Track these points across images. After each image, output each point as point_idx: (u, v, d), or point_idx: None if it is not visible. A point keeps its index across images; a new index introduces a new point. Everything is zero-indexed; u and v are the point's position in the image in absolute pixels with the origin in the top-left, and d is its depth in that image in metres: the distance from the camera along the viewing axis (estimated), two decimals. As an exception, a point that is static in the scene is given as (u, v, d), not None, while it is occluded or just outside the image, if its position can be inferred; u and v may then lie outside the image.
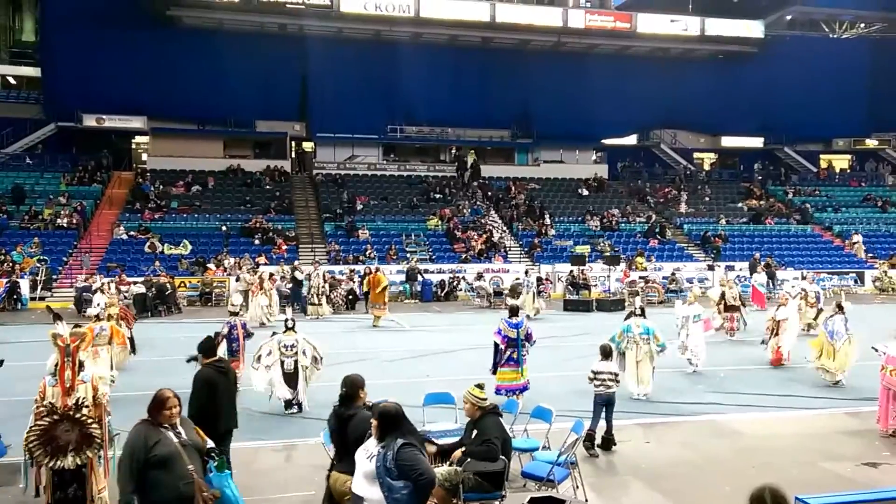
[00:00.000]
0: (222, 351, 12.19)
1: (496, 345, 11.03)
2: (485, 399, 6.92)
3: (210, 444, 5.73)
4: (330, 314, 22.98)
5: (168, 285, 24.48)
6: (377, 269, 22.87)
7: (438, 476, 6.41)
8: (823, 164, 45.79)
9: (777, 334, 14.93)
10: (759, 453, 9.21)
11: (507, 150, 42.10)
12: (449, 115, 38.96)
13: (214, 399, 7.22)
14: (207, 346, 7.68)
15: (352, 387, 6.23)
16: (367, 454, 5.15)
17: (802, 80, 39.43)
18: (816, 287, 20.37)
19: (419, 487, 4.97)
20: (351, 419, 5.95)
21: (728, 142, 44.47)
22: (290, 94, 37.58)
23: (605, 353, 9.49)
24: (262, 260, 27.88)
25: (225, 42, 34.93)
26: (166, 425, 5.29)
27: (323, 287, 23.18)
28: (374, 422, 5.20)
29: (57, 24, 34.66)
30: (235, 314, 13.28)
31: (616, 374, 9.46)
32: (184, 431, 5.39)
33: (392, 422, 5.11)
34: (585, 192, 38.60)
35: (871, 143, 45.50)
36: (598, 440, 9.21)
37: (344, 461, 5.80)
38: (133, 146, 39.36)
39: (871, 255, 33.91)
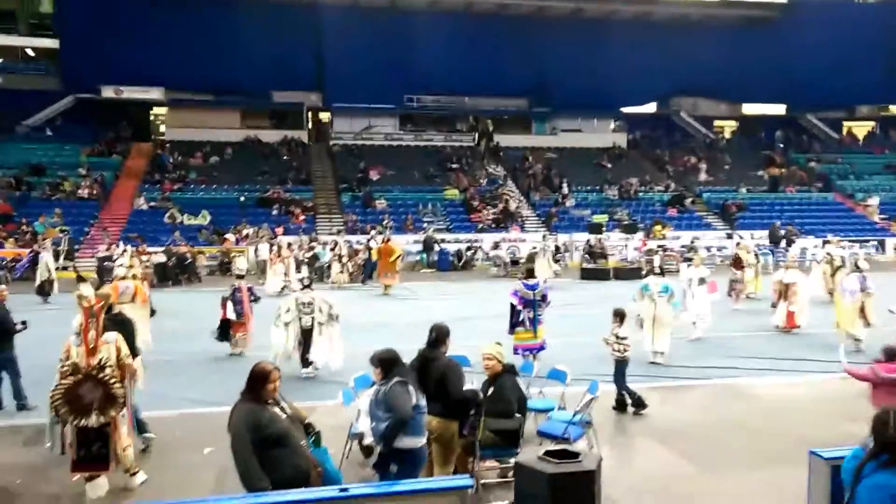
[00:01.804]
0: (230, 314, 12.53)
1: (512, 305, 11.11)
2: (504, 355, 7.07)
3: (308, 418, 5.38)
4: (346, 283, 23.23)
5: (188, 255, 24.74)
6: (388, 240, 23.00)
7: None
8: (846, 132, 45.06)
9: (786, 298, 14.84)
10: (778, 415, 9.24)
11: (525, 119, 41.79)
12: (465, 85, 38.69)
13: None
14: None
15: (439, 332, 6.74)
16: (370, 393, 5.92)
17: (825, 45, 38.56)
18: (842, 251, 20.00)
19: (392, 420, 5.42)
20: (433, 362, 6.47)
21: (749, 109, 43.83)
22: (307, 65, 37.52)
23: (623, 317, 9.52)
24: (280, 230, 28.02)
25: (241, 12, 34.87)
26: (270, 400, 4.88)
27: (345, 256, 23.57)
28: (376, 369, 5.80)
29: (74, -5, 34.74)
30: (241, 277, 13.55)
31: (627, 338, 9.53)
32: (286, 405, 5.02)
33: (392, 363, 5.76)
34: (609, 165, 38.23)
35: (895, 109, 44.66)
36: (612, 403, 9.31)
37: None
38: (151, 117, 39.57)
39: (885, 217, 33.57)
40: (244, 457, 4.59)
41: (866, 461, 3.62)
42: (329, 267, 23.93)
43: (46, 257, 20.11)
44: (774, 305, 15.38)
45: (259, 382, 4.83)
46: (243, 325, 12.75)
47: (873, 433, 3.71)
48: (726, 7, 39.25)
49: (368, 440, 5.94)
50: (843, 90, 40.97)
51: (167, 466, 7.51)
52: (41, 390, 8.41)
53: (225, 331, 12.71)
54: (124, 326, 7.96)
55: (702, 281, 14.10)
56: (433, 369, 6.38)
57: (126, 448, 6.87)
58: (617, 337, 9.31)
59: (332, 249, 24.31)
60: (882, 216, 34.17)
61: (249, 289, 13.10)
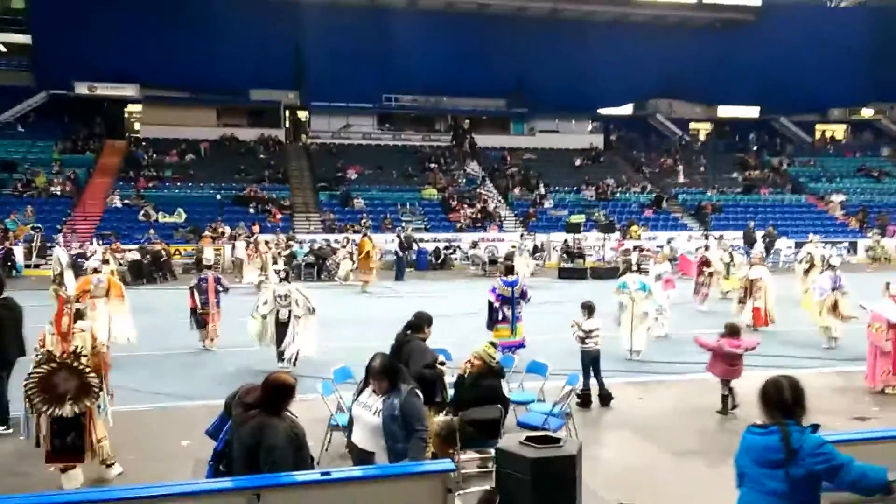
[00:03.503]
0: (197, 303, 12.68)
1: (490, 303, 11.13)
2: (494, 359, 7.14)
3: None
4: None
5: (163, 252, 24.49)
6: (364, 235, 22.93)
7: (434, 425, 6.56)
8: (819, 135, 45.77)
9: (751, 295, 14.80)
10: (751, 407, 9.28)
11: (503, 119, 41.93)
12: (444, 85, 38.73)
13: (1, 331, 7.97)
14: None
15: (419, 318, 6.92)
16: (371, 409, 5.15)
17: (799, 48, 39.22)
18: (823, 250, 19.76)
19: (417, 440, 5.03)
20: (406, 344, 6.58)
21: (724, 112, 44.36)
22: (285, 63, 37.30)
23: (591, 310, 9.56)
24: (256, 229, 27.80)
25: (218, 9, 34.56)
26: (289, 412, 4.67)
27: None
28: (382, 379, 5.18)
29: (47, -10, 34.27)
30: (209, 267, 13.50)
31: (599, 330, 9.56)
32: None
33: (397, 371, 5.27)
34: (587, 162, 38.44)
35: (867, 112, 45.41)
36: (594, 399, 9.35)
37: None
38: (126, 114, 39.09)
39: (845, 214, 34.44)
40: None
41: (787, 435, 3.61)
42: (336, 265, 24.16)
43: (58, 251, 19.98)
44: (742, 302, 15.27)
45: (283, 398, 4.57)
46: (208, 315, 12.70)
47: (771, 404, 3.75)
48: (702, 10, 39.75)
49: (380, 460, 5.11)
50: (815, 93, 41.71)
51: (145, 459, 7.43)
52: (14, 383, 8.29)
53: (198, 318, 12.76)
54: (12, 312, 8.07)
55: (658, 277, 14.18)
56: (404, 352, 6.50)
57: (102, 439, 6.79)
58: (582, 328, 9.35)
59: (344, 247, 24.46)
60: (846, 214, 34.98)
61: (217, 279, 13.05)
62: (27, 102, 35.71)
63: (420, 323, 6.81)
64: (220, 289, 12.90)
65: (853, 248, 31.86)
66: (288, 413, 4.64)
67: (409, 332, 6.80)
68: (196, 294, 12.68)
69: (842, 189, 37.48)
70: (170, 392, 9.99)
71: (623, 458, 7.74)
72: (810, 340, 13.41)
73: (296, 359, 10.93)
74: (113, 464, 6.94)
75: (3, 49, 39.38)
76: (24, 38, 37.50)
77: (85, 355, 6.54)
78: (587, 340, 9.33)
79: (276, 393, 4.55)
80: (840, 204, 35.40)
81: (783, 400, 3.73)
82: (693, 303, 17.64)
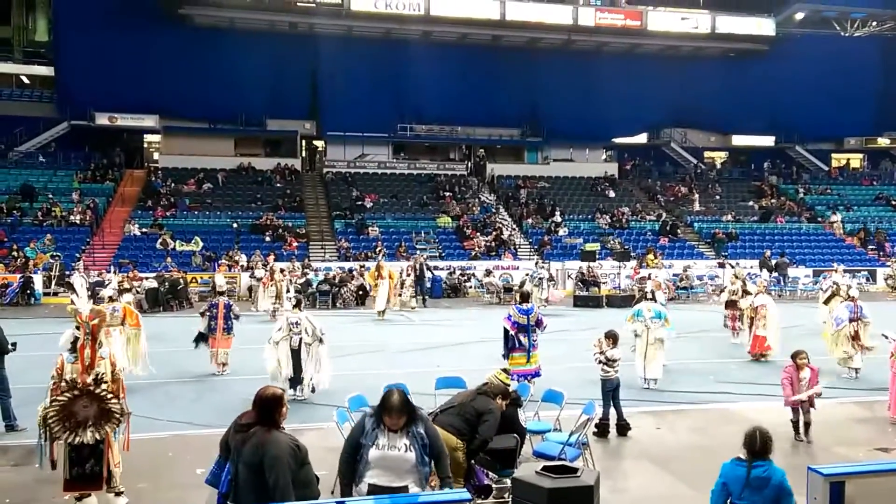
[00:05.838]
0: (202, 327, 13.04)
1: (506, 331, 11.09)
2: (508, 385, 7.12)
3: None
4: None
5: (180, 280, 24.65)
6: (376, 263, 22.90)
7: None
8: (835, 163, 45.57)
9: (754, 323, 14.51)
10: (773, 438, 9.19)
11: (517, 148, 42.11)
12: (459, 114, 38.98)
13: None
14: None
15: (501, 390, 6.93)
16: (398, 448, 4.92)
17: (814, 78, 39.18)
18: (849, 280, 18.96)
19: (444, 460, 5.09)
20: (484, 395, 6.70)
21: (739, 140, 44.27)
22: (301, 93, 37.77)
23: (616, 339, 9.54)
24: (271, 258, 27.91)
25: (236, 40, 35.19)
26: (282, 423, 4.76)
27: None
28: (402, 415, 4.96)
29: (70, 23, 34.90)
30: (221, 294, 13.62)
31: (621, 360, 9.56)
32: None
33: (413, 405, 5.11)
34: (601, 190, 38.52)
35: (884, 141, 45.18)
36: (612, 429, 9.27)
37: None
38: (145, 144, 39.65)
39: (873, 248, 34.12)
40: (286, 485, 4.46)
41: (750, 467, 5.01)
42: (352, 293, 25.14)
43: (76, 278, 20.24)
44: (750, 328, 14.89)
45: (275, 409, 4.69)
46: (215, 341, 12.84)
47: (746, 447, 5.08)
48: (715, 40, 39.85)
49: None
50: (831, 122, 41.60)
51: (158, 487, 7.43)
52: (30, 411, 8.34)
53: (201, 338, 13.04)
54: None
55: None
56: (478, 400, 6.54)
57: (117, 465, 6.78)
58: (607, 358, 9.31)
59: (362, 275, 25.40)
60: (835, 226, 35.37)
61: (228, 305, 13.14)
62: (49, 132, 36.27)
63: (502, 392, 6.90)
64: (232, 315, 13.02)
65: (872, 276, 31.53)
66: (286, 431, 4.75)
67: (491, 390, 6.89)
68: (206, 318, 12.95)
69: (859, 217, 37.28)
70: (183, 419, 9.99)
71: (641, 488, 7.65)
72: (829, 370, 13.20)
73: (312, 389, 11.00)
74: (122, 493, 6.91)
75: (27, 80, 40.20)
76: (47, 70, 38.27)
77: (106, 381, 6.56)
78: (608, 369, 9.28)
79: (268, 405, 4.68)
80: (840, 223, 35.73)
81: (754, 447, 5.06)
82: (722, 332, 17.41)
